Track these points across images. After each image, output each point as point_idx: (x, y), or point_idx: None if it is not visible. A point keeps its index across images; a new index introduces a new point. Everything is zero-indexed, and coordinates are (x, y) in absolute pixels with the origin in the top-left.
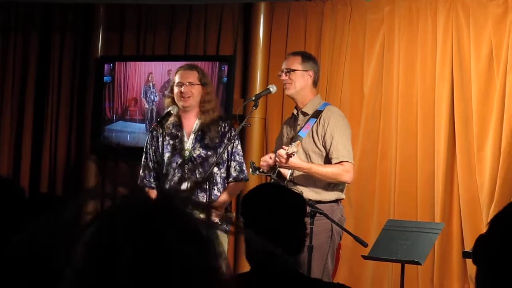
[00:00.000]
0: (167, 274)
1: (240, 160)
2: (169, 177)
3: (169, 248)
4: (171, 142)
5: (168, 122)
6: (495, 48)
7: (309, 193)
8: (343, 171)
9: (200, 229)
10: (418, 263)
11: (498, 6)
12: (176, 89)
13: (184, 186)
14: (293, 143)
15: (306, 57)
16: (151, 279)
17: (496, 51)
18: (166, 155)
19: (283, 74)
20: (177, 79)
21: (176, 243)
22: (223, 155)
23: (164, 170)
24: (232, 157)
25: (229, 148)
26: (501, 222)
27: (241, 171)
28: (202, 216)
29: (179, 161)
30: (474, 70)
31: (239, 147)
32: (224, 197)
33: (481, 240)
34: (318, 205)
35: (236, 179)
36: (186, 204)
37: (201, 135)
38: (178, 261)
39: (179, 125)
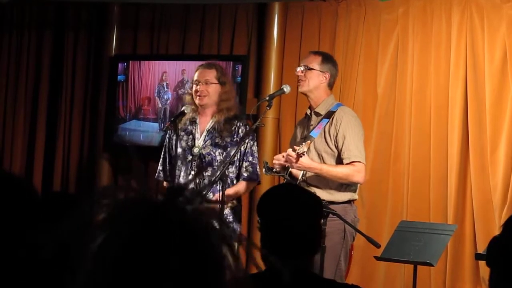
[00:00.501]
0: (169, 274)
1: (253, 161)
2: (178, 173)
3: (171, 248)
4: (185, 138)
5: (185, 117)
6: (509, 49)
7: (322, 194)
8: (354, 172)
9: (204, 229)
10: (430, 265)
11: None
12: (194, 87)
13: (192, 183)
14: (303, 143)
15: (326, 59)
16: (154, 279)
17: (510, 53)
18: (179, 150)
19: (300, 70)
20: (195, 77)
21: (178, 243)
22: (235, 155)
23: (175, 166)
24: (245, 158)
25: (242, 148)
26: None
27: (253, 172)
28: (210, 215)
29: (189, 157)
30: (488, 72)
31: (253, 148)
32: (230, 191)
33: (495, 242)
34: (331, 206)
35: (246, 180)
36: (193, 202)
37: (213, 133)
38: (180, 260)
39: (195, 122)
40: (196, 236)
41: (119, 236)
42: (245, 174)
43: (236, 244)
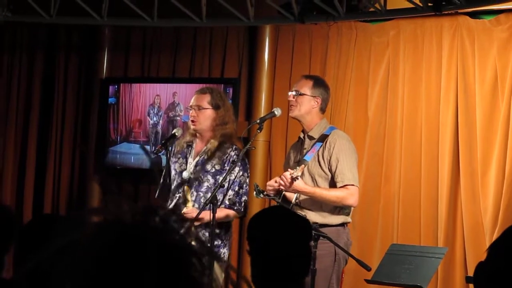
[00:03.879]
0: None
1: (238, 191)
2: (170, 196)
3: (147, 267)
4: (180, 161)
5: (183, 140)
6: (499, 72)
7: (315, 217)
8: (348, 195)
9: (180, 247)
10: None
11: (503, 31)
12: (190, 112)
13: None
14: (298, 167)
15: (318, 83)
16: None
17: (501, 76)
18: (173, 172)
19: (291, 95)
20: (191, 102)
21: (154, 262)
22: (223, 183)
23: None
24: (232, 186)
25: (232, 176)
26: (500, 248)
27: (235, 203)
28: (185, 234)
29: (180, 181)
30: (479, 95)
31: (242, 178)
32: (204, 214)
33: (481, 267)
34: (324, 229)
35: (226, 207)
36: (167, 221)
37: (204, 159)
38: (156, 279)
39: (191, 145)
40: (171, 254)
41: (95, 258)
42: (226, 202)
43: (212, 262)
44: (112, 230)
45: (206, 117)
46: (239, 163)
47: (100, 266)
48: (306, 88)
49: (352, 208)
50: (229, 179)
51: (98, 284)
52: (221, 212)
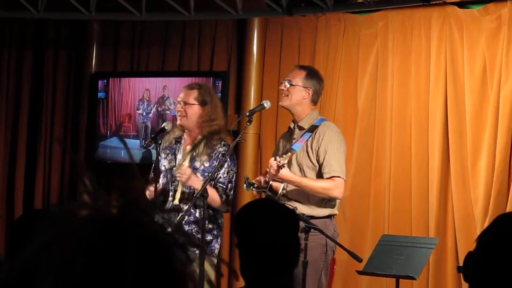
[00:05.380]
0: (129, 286)
1: (227, 186)
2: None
3: (128, 260)
4: (169, 157)
5: (172, 136)
6: (488, 62)
7: (302, 208)
8: (334, 186)
9: (162, 240)
10: (412, 278)
11: (492, 21)
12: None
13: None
14: (284, 155)
15: (311, 74)
16: None
17: (490, 66)
18: (162, 168)
19: (283, 84)
20: (179, 97)
21: (135, 254)
22: (216, 172)
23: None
24: (221, 180)
25: (221, 170)
26: (489, 237)
27: (222, 195)
28: (167, 226)
29: (169, 178)
30: (468, 85)
31: (231, 174)
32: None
33: (469, 257)
34: (311, 220)
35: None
36: (148, 213)
37: (193, 157)
38: (138, 272)
39: (179, 141)
40: (153, 247)
41: (73, 253)
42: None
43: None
44: (92, 224)
45: (192, 113)
46: (228, 158)
47: (78, 261)
48: (299, 78)
49: (338, 200)
50: (218, 173)
51: (77, 278)
52: (214, 191)
